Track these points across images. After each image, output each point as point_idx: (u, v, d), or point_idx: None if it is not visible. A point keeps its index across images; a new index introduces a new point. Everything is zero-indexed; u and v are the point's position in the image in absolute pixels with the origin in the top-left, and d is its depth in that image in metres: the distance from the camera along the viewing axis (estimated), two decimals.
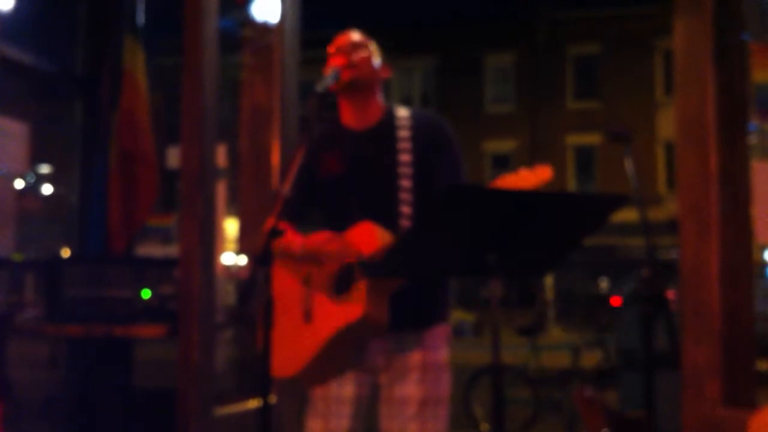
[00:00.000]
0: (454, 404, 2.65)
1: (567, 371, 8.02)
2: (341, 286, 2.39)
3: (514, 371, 7.76)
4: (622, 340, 6.65)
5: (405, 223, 2.46)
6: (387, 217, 2.44)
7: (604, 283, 27.34)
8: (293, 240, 2.48)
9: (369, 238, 2.35)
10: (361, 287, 2.33)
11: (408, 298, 2.41)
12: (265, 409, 2.13)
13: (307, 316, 2.46)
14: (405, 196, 2.49)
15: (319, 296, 2.45)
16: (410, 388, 2.51)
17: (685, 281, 3.06)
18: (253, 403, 4.04)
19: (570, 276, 25.90)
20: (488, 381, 7.29)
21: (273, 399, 2.15)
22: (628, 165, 2.51)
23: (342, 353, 2.46)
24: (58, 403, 4.41)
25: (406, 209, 2.48)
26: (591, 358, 8.38)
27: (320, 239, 2.45)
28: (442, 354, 2.58)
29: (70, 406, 4.37)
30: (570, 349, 8.13)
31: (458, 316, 23.64)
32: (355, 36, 2.60)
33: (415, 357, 2.52)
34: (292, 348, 2.46)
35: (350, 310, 2.34)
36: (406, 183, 2.49)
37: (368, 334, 2.42)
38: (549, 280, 26.29)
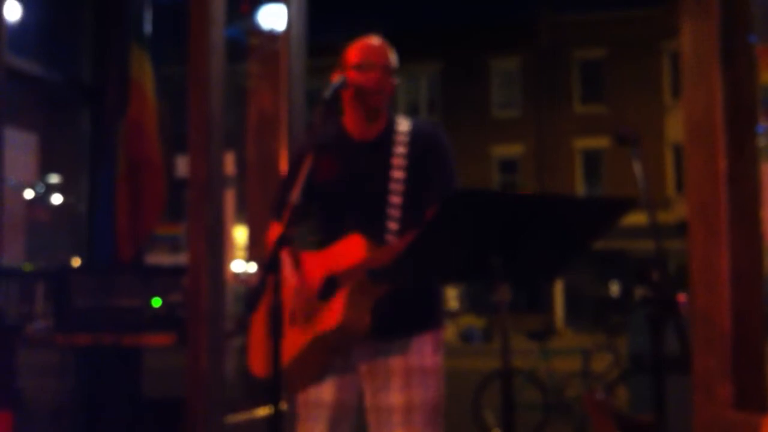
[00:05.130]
0: (464, 409, 2.64)
1: (577, 375, 8.00)
2: (325, 292, 2.40)
3: (524, 375, 7.74)
4: (632, 344, 6.64)
5: (391, 238, 2.46)
6: (375, 231, 2.45)
7: (614, 286, 27.31)
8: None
9: (354, 251, 2.36)
10: (341, 294, 2.33)
11: (395, 305, 2.41)
12: (275, 417, 2.12)
13: (292, 319, 2.48)
14: (394, 212, 2.50)
15: (306, 300, 2.47)
16: (394, 396, 2.49)
17: (695, 284, 3.05)
18: (263, 411, 4.03)
19: (580, 279, 25.84)
20: (498, 386, 7.21)
21: (283, 407, 2.14)
22: (637, 168, 2.50)
23: (321, 358, 2.47)
24: (67, 412, 4.41)
25: (393, 225, 2.49)
26: (601, 362, 8.36)
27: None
28: (430, 360, 2.54)
29: (79, 415, 4.37)
30: (580, 353, 8.11)
31: (468, 321, 23.66)
32: (382, 54, 2.55)
33: (398, 363, 2.50)
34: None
35: (329, 316, 2.35)
36: (396, 199, 2.50)
37: (348, 340, 2.41)
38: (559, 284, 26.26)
